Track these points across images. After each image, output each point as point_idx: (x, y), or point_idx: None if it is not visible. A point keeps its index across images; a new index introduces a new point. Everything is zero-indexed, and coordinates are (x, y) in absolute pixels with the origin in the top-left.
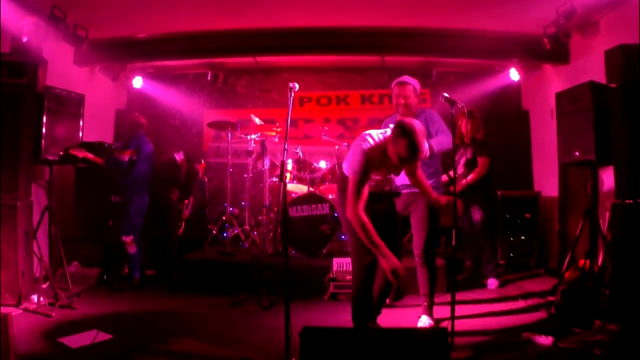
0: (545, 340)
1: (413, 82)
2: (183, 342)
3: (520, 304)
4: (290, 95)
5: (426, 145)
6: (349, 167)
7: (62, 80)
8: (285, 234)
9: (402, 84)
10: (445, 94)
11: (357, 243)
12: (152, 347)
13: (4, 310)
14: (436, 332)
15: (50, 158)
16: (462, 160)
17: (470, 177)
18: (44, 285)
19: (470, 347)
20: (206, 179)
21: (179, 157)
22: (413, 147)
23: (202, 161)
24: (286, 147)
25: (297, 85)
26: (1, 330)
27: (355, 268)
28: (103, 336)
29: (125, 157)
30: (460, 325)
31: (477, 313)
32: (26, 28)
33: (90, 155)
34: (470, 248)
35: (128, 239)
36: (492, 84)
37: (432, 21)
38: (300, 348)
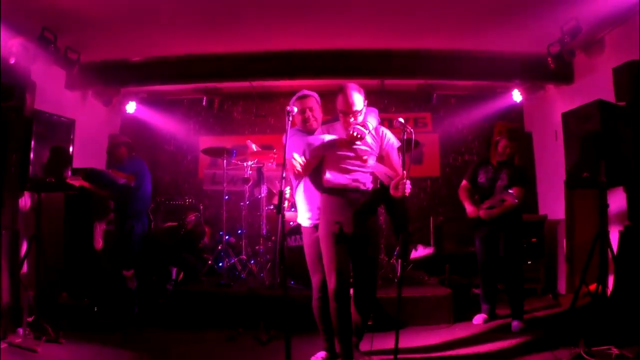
0: None
1: (313, 95)
2: None
3: (530, 335)
4: (288, 120)
5: (359, 102)
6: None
7: (53, 105)
8: (283, 268)
9: (303, 97)
10: (401, 119)
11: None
12: None
13: None
14: None
15: (38, 184)
16: (483, 179)
17: (498, 209)
18: (30, 318)
19: None
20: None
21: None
22: (345, 97)
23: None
24: (284, 175)
25: (295, 109)
26: None
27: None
28: None
29: (132, 183)
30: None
31: (484, 346)
32: (14, 49)
33: (87, 185)
34: (487, 283)
35: (129, 273)
36: (494, 106)
37: (432, 43)
38: None
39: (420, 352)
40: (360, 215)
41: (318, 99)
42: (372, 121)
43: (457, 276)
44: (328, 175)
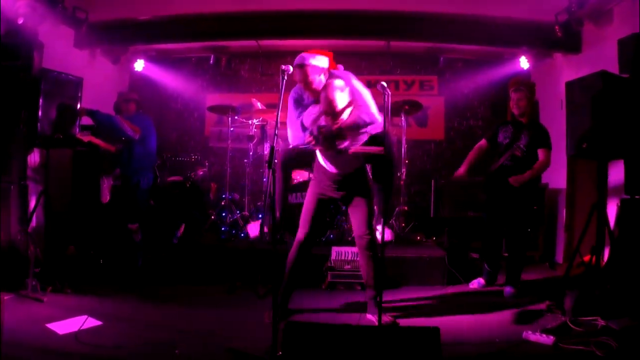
0: (546, 339)
1: (308, 63)
2: None
3: (521, 301)
4: (283, 79)
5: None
6: None
7: (61, 63)
8: (274, 222)
9: (299, 67)
10: (383, 83)
11: None
12: None
13: None
14: (426, 330)
15: (47, 141)
16: (502, 138)
17: (529, 172)
18: (37, 270)
19: None
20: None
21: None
22: (327, 97)
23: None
24: (277, 132)
25: (290, 68)
26: None
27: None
28: (92, 322)
29: (137, 135)
30: (453, 322)
31: (473, 307)
32: (21, 10)
33: (96, 140)
34: (491, 245)
35: (134, 226)
36: (501, 72)
37: (440, 6)
38: (282, 344)
39: (411, 309)
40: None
41: (318, 61)
42: (343, 96)
43: (456, 240)
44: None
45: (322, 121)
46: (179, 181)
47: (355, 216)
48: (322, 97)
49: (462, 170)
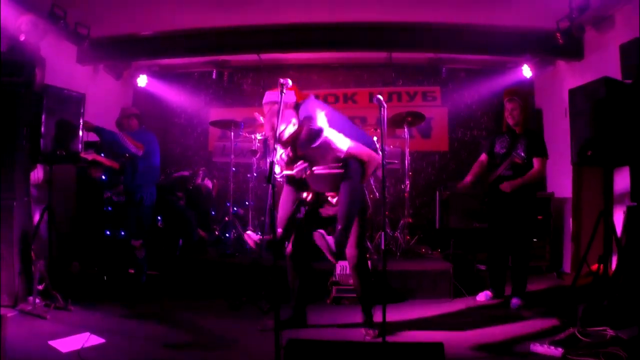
0: (554, 351)
1: (274, 98)
2: None
3: (528, 312)
4: (281, 93)
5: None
6: None
7: (64, 79)
8: (274, 237)
9: (268, 104)
10: (379, 96)
11: None
12: None
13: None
14: (431, 347)
15: (50, 157)
16: (499, 149)
17: (521, 179)
18: (41, 286)
19: None
20: (211, 187)
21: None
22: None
23: (215, 180)
24: (276, 146)
25: (290, 82)
26: None
27: None
28: (94, 340)
29: (140, 152)
30: (459, 336)
31: (479, 321)
32: (24, 26)
33: (100, 158)
34: (496, 257)
35: (137, 243)
36: (504, 81)
37: (441, 16)
38: None
39: (416, 324)
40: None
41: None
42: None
43: (462, 251)
44: None
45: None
46: (185, 176)
47: None
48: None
49: (467, 179)
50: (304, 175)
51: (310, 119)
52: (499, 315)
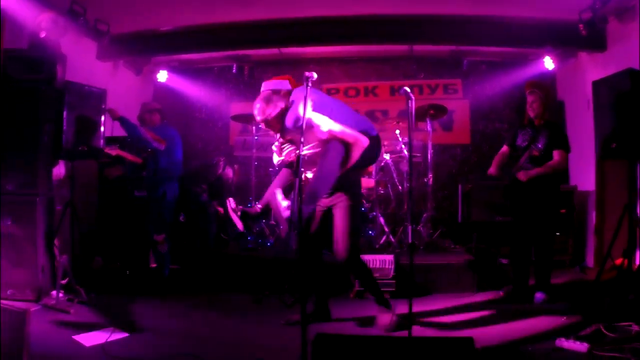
0: (579, 346)
1: (269, 87)
2: None
3: (552, 307)
4: (307, 86)
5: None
6: None
7: (85, 75)
8: (301, 233)
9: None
10: (406, 88)
11: None
12: None
13: (24, 305)
14: (461, 341)
15: (72, 153)
16: (521, 141)
17: (538, 169)
18: (64, 281)
19: None
20: (231, 176)
21: (228, 171)
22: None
23: (236, 166)
24: (302, 139)
25: (314, 75)
26: (18, 326)
27: None
28: (118, 334)
29: (162, 146)
30: (484, 330)
31: (503, 315)
32: (44, 24)
33: (124, 154)
34: (519, 251)
35: (160, 237)
36: (525, 74)
37: (462, 8)
38: (312, 355)
39: (437, 315)
40: None
41: (265, 100)
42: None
43: (485, 245)
44: None
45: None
46: (208, 165)
47: (333, 230)
48: None
49: (493, 169)
50: (292, 159)
51: (292, 103)
52: (522, 309)
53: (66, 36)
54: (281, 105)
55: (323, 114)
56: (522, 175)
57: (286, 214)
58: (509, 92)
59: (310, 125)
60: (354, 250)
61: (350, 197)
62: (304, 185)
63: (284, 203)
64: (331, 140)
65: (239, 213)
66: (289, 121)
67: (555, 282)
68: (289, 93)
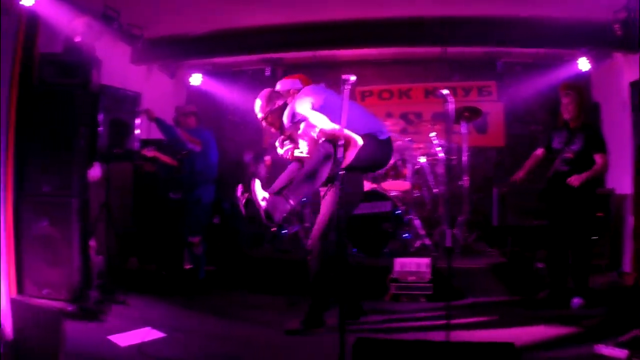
0: (619, 353)
1: (283, 87)
2: None
3: (589, 312)
4: (345, 88)
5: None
6: None
7: (119, 79)
8: (341, 236)
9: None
10: (443, 91)
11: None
12: None
13: (60, 305)
14: (502, 347)
15: (107, 155)
16: (557, 144)
17: (587, 173)
18: (100, 282)
19: None
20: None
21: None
22: None
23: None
24: (342, 142)
25: (352, 77)
26: (54, 326)
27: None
28: (154, 334)
29: (197, 148)
30: (520, 336)
31: (540, 320)
32: (78, 28)
33: (160, 155)
34: (556, 255)
35: (195, 239)
36: (560, 75)
37: (495, 9)
38: None
39: (475, 320)
40: None
41: (264, 100)
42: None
43: (520, 249)
44: None
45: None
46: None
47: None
48: None
49: (520, 174)
50: (289, 156)
51: (292, 102)
52: (559, 314)
53: (100, 41)
54: (279, 103)
55: (323, 113)
56: (575, 180)
57: (262, 205)
58: (543, 94)
59: (305, 124)
60: (323, 246)
61: (336, 191)
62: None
63: (261, 194)
64: (322, 140)
65: (243, 200)
66: (286, 118)
67: (592, 287)
68: (297, 92)
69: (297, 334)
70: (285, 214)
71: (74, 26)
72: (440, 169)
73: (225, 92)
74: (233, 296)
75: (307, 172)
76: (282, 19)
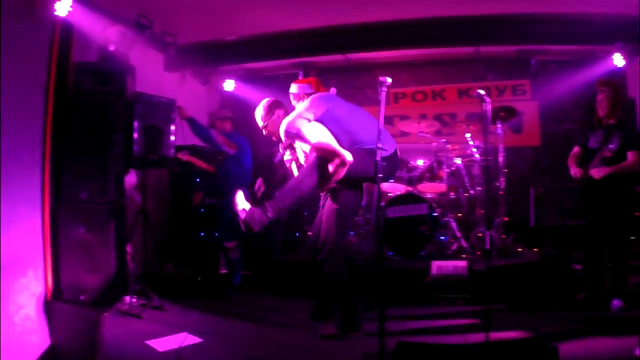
0: None
1: (261, 109)
2: None
3: (629, 314)
4: (381, 91)
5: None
6: None
7: (153, 86)
8: (380, 238)
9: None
10: (479, 90)
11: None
12: None
13: (95, 311)
14: (546, 350)
15: (142, 162)
16: (593, 143)
17: (610, 167)
18: (136, 287)
19: None
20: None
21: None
22: None
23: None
24: (380, 145)
25: (388, 79)
26: (91, 331)
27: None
28: (191, 340)
29: (232, 151)
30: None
31: (579, 322)
32: (112, 37)
33: (194, 160)
34: (593, 256)
35: (231, 244)
36: (595, 72)
37: (528, 6)
38: None
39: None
40: None
41: (265, 110)
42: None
43: (558, 250)
44: None
45: None
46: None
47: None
48: None
49: (575, 170)
50: (288, 165)
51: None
52: (599, 317)
53: (134, 48)
54: (279, 113)
55: (323, 124)
56: (595, 173)
57: (242, 215)
58: (578, 91)
59: (299, 137)
60: (338, 254)
61: (333, 202)
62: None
63: (242, 205)
64: (313, 155)
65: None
66: (282, 132)
67: (631, 289)
68: (307, 96)
69: (334, 338)
70: (263, 225)
71: (107, 35)
72: (476, 170)
73: (258, 98)
74: (268, 300)
75: (292, 186)
76: (315, 22)
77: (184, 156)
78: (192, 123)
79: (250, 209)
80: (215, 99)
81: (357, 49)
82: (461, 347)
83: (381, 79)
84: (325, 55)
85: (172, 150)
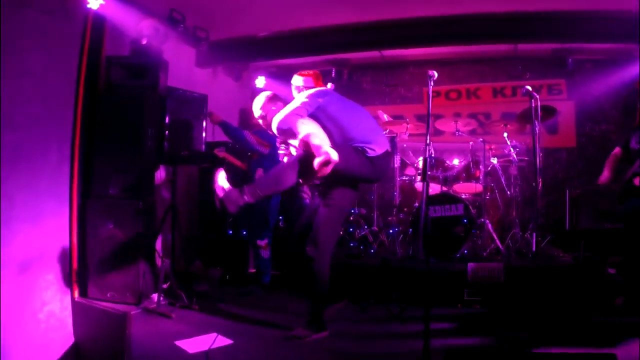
0: None
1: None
2: None
3: None
4: (430, 85)
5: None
6: None
7: (185, 82)
8: (422, 239)
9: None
10: (527, 87)
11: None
12: None
13: (124, 308)
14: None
15: (173, 158)
16: (635, 144)
17: None
18: (165, 285)
19: None
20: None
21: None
22: None
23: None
24: (428, 141)
25: (435, 74)
26: (119, 329)
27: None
28: (222, 341)
29: (266, 150)
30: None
31: (618, 329)
32: (145, 31)
33: (230, 158)
34: (630, 260)
35: (263, 242)
36: (632, 72)
37: (565, 4)
38: None
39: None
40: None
41: (264, 100)
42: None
43: (592, 254)
44: None
45: None
46: None
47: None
48: None
49: (606, 175)
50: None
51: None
52: (637, 323)
53: (166, 43)
54: (275, 107)
55: (314, 119)
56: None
57: (220, 193)
58: (615, 91)
59: (291, 132)
60: (329, 257)
61: (327, 199)
62: None
63: (222, 184)
64: (299, 149)
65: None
66: (274, 127)
67: None
68: (306, 89)
69: (303, 339)
70: (238, 207)
71: (140, 29)
72: (513, 171)
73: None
74: (299, 301)
75: (272, 175)
76: (348, 18)
77: (221, 153)
78: (225, 127)
79: (228, 189)
80: (247, 96)
81: (392, 45)
82: (513, 354)
83: (430, 73)
84: (359, 51)
85: (203, 147)
